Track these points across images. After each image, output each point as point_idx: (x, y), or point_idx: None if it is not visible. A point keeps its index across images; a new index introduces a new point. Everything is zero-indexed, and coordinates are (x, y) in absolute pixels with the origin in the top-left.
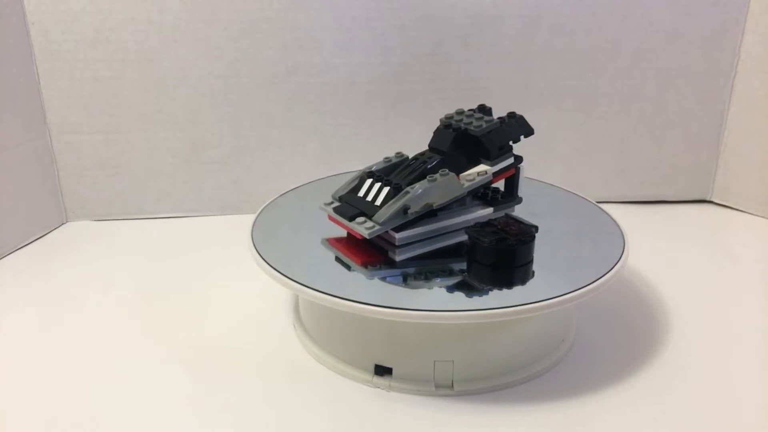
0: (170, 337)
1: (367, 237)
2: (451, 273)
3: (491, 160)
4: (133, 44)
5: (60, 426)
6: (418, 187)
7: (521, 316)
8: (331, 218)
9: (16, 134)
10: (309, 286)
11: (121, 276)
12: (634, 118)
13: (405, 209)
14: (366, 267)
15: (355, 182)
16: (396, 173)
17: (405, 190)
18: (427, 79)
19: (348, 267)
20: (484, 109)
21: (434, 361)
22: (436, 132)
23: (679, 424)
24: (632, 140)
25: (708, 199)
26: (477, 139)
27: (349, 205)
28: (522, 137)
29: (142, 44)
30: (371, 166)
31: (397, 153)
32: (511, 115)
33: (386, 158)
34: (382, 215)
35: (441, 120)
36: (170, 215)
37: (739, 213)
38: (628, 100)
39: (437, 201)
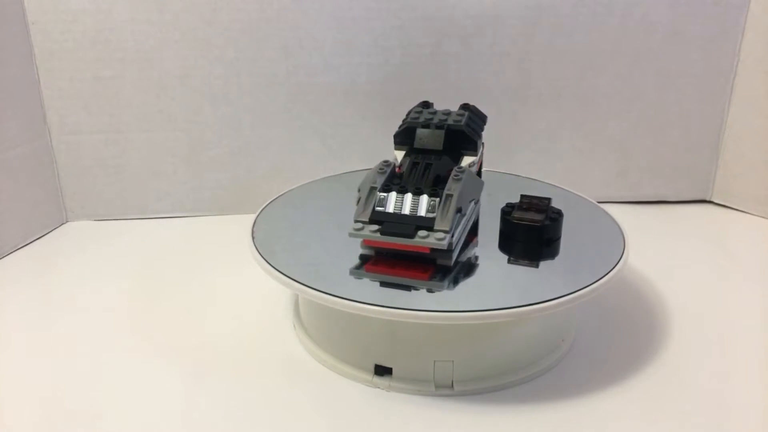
0: (170, 336)
1: (446, 248)
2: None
3: (476, 150)
4: (133, 44)
5: (60, 426)
6: (457, 188)
7: (521, 318)
8: (371, 242)
9: (16, 134)
10: (309, 285)
11: (121, 276)
12: (634, 118)
13: (458, 211)
14: (431, 280)
15: (374, 200)
16: (406, 180)
17: (447, 193)
18: (427, 79)
19: (407, 288)
20: (426, 105)
21: (434, 361)
22: (419, 132)
23: (678, 424)
24: (632, 140)
25: (708, 199)
26: (460, 133)
27: (394, 223)
28: (483, 125)
29: (142, 44)
30: (374, 181)
31: (385, 161)
32: (466, 106)
33: (381, 169)
34: (446, 222)
35: (409, 122)
36: (170, 215)
37: (739, 213)
38: (628, 100)
39: (474, 197)
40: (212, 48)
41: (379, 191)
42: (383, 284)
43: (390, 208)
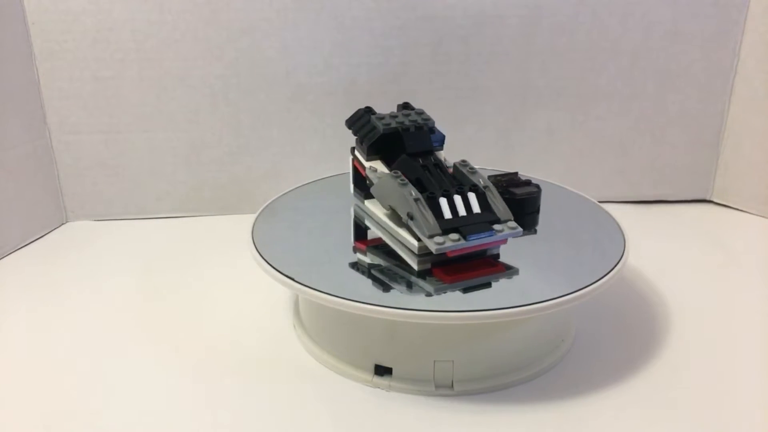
0: (170, 337)
1: (522, 234)
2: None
3: (443, 145)
4: (133, 44)
5: (60, 426)
6: (487, 179)
7: (521, 318)
8: (455, 252)
9: (16, 134)
10: (309, 286)
11: (121, 276)
12: (634, 118)
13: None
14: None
15: (427, 211)
16: (429, 183)
17: (485, 186)
18: (427, 79)
19: (486, 285)
20: (370, 110)
21: (434, 361)
22: (407, 136)
23: (679, 424)
24: (632, 140)
25: (708, 199)
26: (434, 131)
27: (469, 225)
28: None
29: (142, 44)
30: (409, 193)
31: (395, 172)
32: (407, 105)
33: (402, 180)
34: (506, 211)
35: (385, 128)
36: (170, 215)
37: (739, 213)
38: (628, 100)
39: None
40: (212, 48)
41: (425, 199)
42: (466, 290)
43: (448, 214)
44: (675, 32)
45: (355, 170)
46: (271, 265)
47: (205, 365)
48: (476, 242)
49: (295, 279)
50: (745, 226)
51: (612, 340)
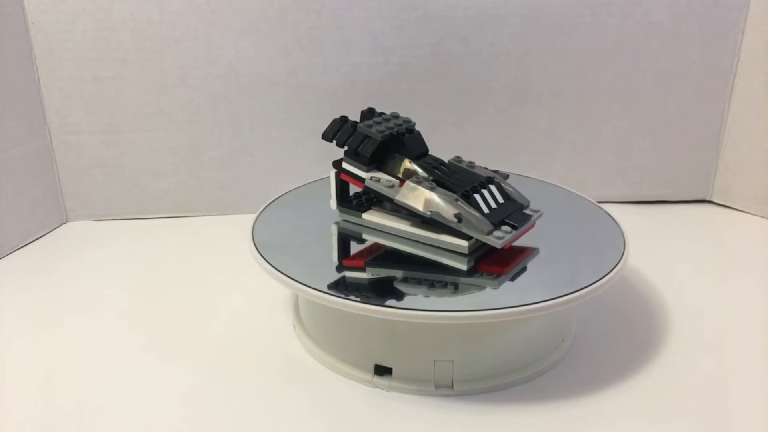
0: (170, 337)
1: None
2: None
3: None
4: (133, 44)
5: (60, 426)
6: (491, 173)
7: (521, 317)
8: (510, 242)
9: (16, 134)
10: (309, 285)
11: (121, 276)
12: (634, 118)
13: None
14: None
15: (469, 208)
16: (454, 183)
17: (497, 179)
18: (427, 79)
19: (524, 269)
20: (345, 119)
21: (434, 361)
22: (408, 140)
23: (679, 424)
24: (632, 140)
25: (708, 199)
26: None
27: (511, 216)
28: None
29: (142, 44)
30: (445, 194)
31: (416, 177)
32: (372, 110)
33: (429, 184)
34: (524, 198)
35: (382, 133)
36: (170, 215)
37: (739, 213)
38: (628, 100)
39: None
40: (212, 48)
41: (462, 197)
42: (513, 277)
43: (486, 209)
44: (675, 32)
45: (343, 185)
46: (271, 264)
47: (204, 365)
48: (523, 230)
49: (295, 279)
50: (745, 226)
51: (612, 340)
